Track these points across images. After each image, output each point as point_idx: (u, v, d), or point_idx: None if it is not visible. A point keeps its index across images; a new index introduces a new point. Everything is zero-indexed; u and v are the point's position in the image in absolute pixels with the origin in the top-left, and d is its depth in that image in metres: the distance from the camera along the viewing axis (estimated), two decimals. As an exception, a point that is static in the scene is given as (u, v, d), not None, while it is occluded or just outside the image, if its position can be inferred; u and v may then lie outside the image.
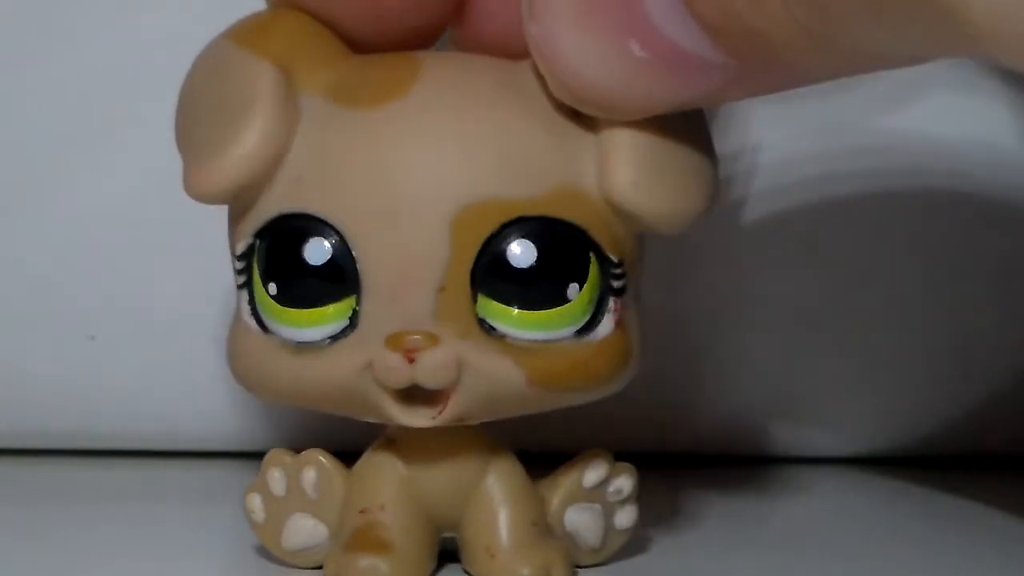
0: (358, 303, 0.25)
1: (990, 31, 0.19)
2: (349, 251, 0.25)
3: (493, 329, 0.25)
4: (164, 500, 0.34)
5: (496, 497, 0.26)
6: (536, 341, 0.25)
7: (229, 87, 0.26)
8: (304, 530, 0.27)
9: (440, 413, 0.25)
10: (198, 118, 0.26)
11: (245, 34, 0.26)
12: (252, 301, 0.26)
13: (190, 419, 0.36)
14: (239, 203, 0.26)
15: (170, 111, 0.27)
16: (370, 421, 0.26)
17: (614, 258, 0.26)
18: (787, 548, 0.31)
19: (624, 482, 0.27)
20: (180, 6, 0.34)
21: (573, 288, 0.25)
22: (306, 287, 0.25)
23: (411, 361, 0.25)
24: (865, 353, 0.36)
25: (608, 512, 0.27)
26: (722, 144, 0.33)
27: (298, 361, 0.25)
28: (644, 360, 0.26)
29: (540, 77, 0.25)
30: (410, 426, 0.25)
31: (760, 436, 0.37)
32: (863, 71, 0.23)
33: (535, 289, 0.25)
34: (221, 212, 0.27)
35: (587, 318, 0.25)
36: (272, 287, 0.25)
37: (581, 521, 0.27)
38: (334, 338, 0.25)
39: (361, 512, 0.26)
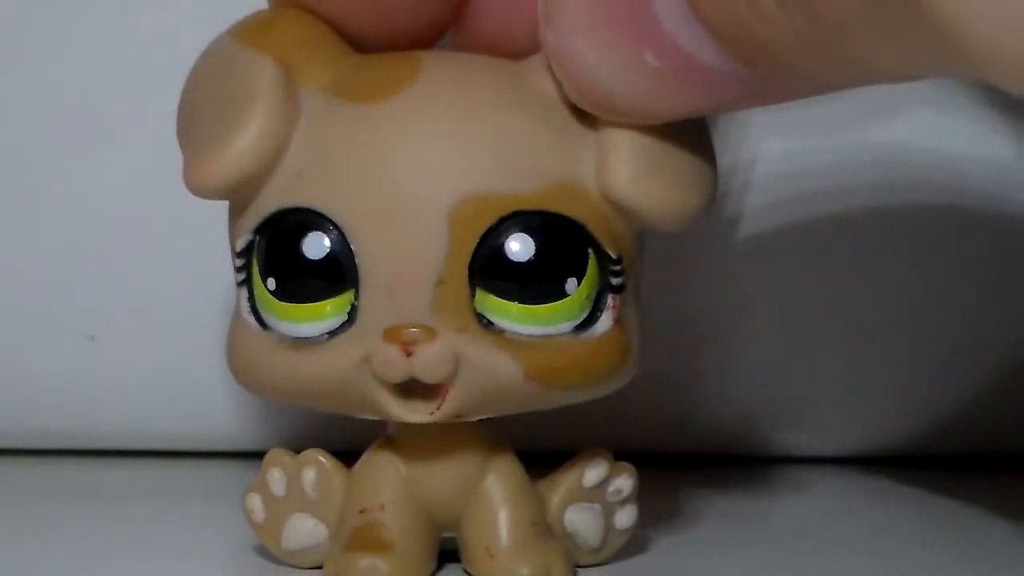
0: (356, 298, 0.25)
1: (987, 55, 0.19)
2: (348, 246, 0.25)
3: (491, 323, 0.25)
4: (164, 500, 0.34)
5: (496, 497, 0.26)
6: (534, 336, 0.25)
7: (231, 83, 0.26)
8: (304, 530, 0.27)
9: (438, 408, 0.25)
10: (200, 114, 0.26)
11: (248, 31, 0.26)
12: (251, 298, 0.26)
13: (190, 419, 0.36)
14: (238, 199, 0.26)
15: (170, 111, 0.27)
16: (368, 418, 0.26)
17: (613, 255, 0.26)
18: (787, 548, 0.31)
19: (624, 482, 0.27)
20: (180, 6, 0.34)
21: (571, 283, 0.25)
22: (305, 282, 0.25)
23: (409, 355, 0.25)
24: (864, 353, 0.36)
25: (608, 512, 0.27)
26: (722, 145, 0.33)
27: (296, 357, 0.25)
28: (643, 358, 0.26)
29: (539, 75, 0.26)
30: (408, 421, 0.25)
31: (760, 436, 0.37)
32: (869, 82, 0.23)
33: (533, 283, 0.25)
34: (221, 212, 0.27)
35: (585, 314, 0.25)
36: (271, 282, 0.26)
37: (581, 521, 0.27)
38: (332, 333, 0.25)
39: (361, 512, 0.26)
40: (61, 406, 0.36)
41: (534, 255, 0.25)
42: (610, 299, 0.26)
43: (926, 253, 0.36)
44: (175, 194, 0.26)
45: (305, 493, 0.27)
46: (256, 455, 0.28)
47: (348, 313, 0.25)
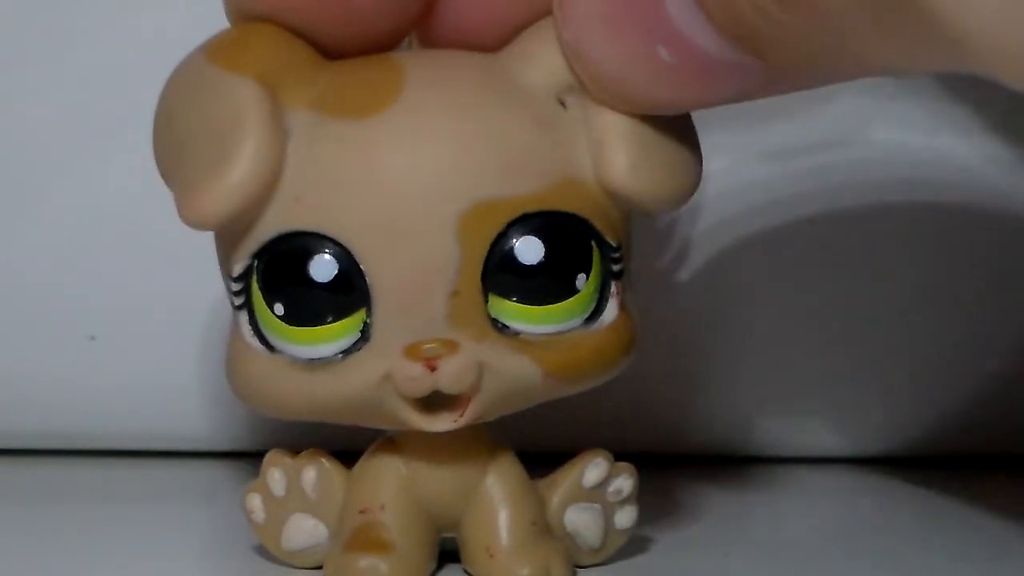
0: (369, 315, 0.25)
1: (984, 51, 0.19)
2: (356, 265, 0.25)
3: (507, 328, 0.25)
4: (164, 500, 0.34)
5: (496, 497, 0.26)
6: (549, 335, 0.25)
7: (212, 109, 0.25)
8: (304, 530, 0.27)
9: (461, 415, 0.25)
10: (181, 143, 0.25)
11: (221, 52, 0.26)
12: (254, 321, 0.26)
13: (190, 419, 0.36)
14: (234, 226, 0.25)
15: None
16: (385, 429, 0.26)
17: (613, 243, 0.26)
18: (787, 548, 0.31)
19: (624, 482, 0.27)
20: (180, 6, 0.34)
21: (581, 279, 0.25)
22: (314, 305, 0.25)
23: (432, 370, 0.25)
24: (865, 353, 0.36)
25: (608, 512, 0.27)
26: (722, 144, 0.33)
27: (311, 378, 0.25)
28: (643, 350, 0.26)
29: (519, 66, 0.25)
30: (433, 431, 0.25)
31: (760, 436, 0.37)
32: (874, 75, 0.23)
33: (546, 284, 0.25)
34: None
35: (594, 305, 0.26)
36: (279, 307, 0.25)
37: (581, 521, 0.27)
38: (346, 352, 0.25)
39: (361, 512, 0.26)
40: (61, 406, 0.36)
41: (544, 256, 0.25)
42: (613, 286, 0.26)
43: (927, 253, 0.36)
44: (175, 194, 0.26)
45: (305, 493, 0.27)
46: (256, 455, 0.28)
47: (361, 331, 0.25)
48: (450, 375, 0.25)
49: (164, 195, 0.26)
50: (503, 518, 0.26)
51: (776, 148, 0.35)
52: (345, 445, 0.28)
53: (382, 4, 0.26)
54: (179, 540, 0.31)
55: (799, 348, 0.36)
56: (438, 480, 0.26)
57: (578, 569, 0.27)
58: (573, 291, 0.25)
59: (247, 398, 0.26)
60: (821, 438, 0.37)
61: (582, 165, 0.25)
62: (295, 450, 0.27)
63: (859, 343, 0.36)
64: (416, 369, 0.25)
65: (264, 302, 0.25)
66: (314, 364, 0.25)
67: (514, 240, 0.25)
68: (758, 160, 0.35)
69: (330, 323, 0.25)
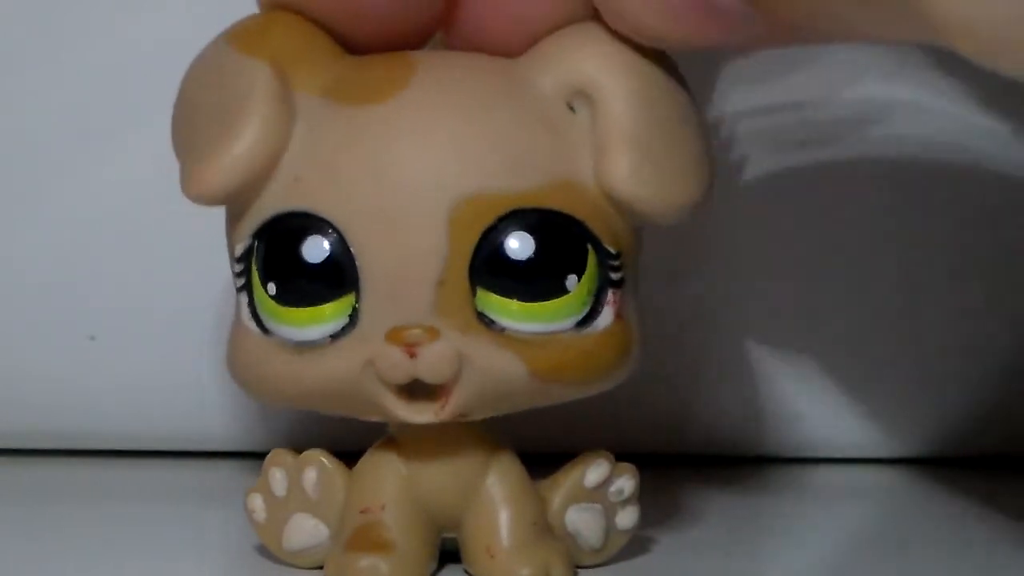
0: (358, 300, 0.25)
1: (946, 23, 0.20)
2: (348, 248, 0.25)
3: (493, 322, 0.25)
4: (164, 500, 0.34)
5: (497, 497, 0.26)
6: (536, 333, 0.25)
7: (226, 89, 0.26)
8: (305, 530, 0.27)
9: (443, 408, 0.25)
10: (195, 120, 0.26)
11: (241, 36, 0.26)
12: (252, 303, 0.26)
13: (190, 419, 0.36)
14: (237, 204, 0.26)
15: (170, 111, 0.27)
16: (372, 420, 0.26)
17: (612, 250, 0.26)
18: (787, 548, 0.31)
19: (625, 482, 0.27)
20: (180, 6, 0.34)
21: (571, 280, 0.25)
22: (305, 286, 0.25)
23: (412, 356, 0.25)
24: (864, 354, 0.36)
25: (609, 512, 0.27)
26: (723, 144, 0.33)
27: (299, 361, 0.25)
28: (644, 353, 0.26)
29: (534, 72, 0.26)
30: (413, 422, 0.25)
31: (760, 436, 0.37)
32: (857, 39, 0.25)
33: (534, 281, 0.25)
34: (221, 212, 0.27)
35: (587, 310, 0.26)
36: (271, 287, 0.26)
37: (582, 521, 0.27)
38: (334, 336, 0.25)
39: (362, 512, 0.26)
40: (61, 406, 0.36)
41: (533, 253, 0.25)
42: (610, 294, 0.26)
43: (928, 254, 0.36)
44: (175, 194, 0.26)
45: (306, 493, 0.27)
46: (256, 455, 0.28)
47: (350, 316, 0.25)
48: (429, 362, 0.25)
49: (164, 195, 0.26)
50: (504, 518, 0.26)
51: (776, 147, 0.35)
52: (346, 445, 0.28)
53: (394, 4, 0.26)
54: (179, 540, 0.31)
55: (799, 349, 0.36)
56: (439, 480, 0.26)
57: (579, 569, 0.27)
58: (563, 291, 0.25)
59: (243, 383, 0.27)
60: (821, 438, 0.37)
61: (585, 169, 0.25)
62: (296, 450, 0.27)
63: (859, 344, 0.36)
64: (396, 354, 0.25)
65: (260, 282, 0.26)
66: (303, 347, 0.25)
67: (505, 235, 0.25)
68: (758, 159, 0.35)
69: (320, 305, 0.25)
